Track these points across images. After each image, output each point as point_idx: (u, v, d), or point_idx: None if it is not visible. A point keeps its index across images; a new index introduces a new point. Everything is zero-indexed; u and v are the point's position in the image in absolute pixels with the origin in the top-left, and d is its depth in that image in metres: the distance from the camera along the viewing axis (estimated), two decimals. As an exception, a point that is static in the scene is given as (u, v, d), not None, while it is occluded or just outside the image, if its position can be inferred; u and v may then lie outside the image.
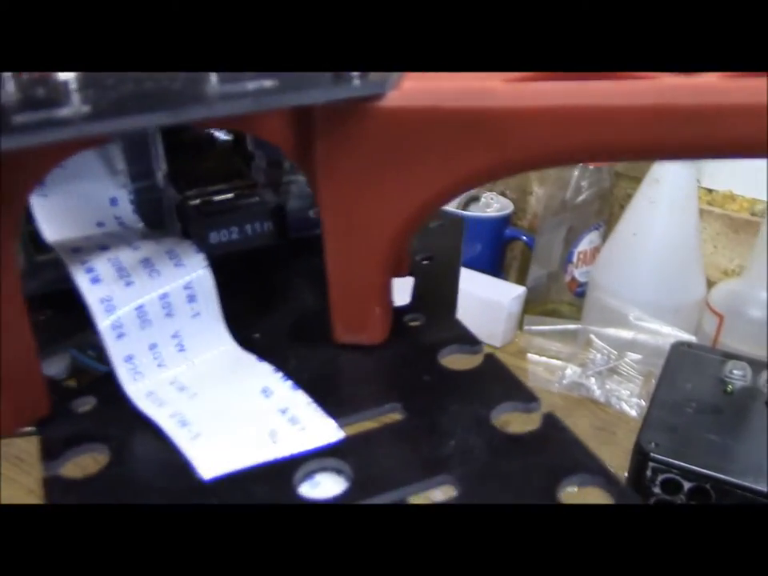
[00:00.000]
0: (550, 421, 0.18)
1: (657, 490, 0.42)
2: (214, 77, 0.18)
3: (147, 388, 0.19)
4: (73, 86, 0.17)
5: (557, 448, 0.17)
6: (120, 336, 0.18)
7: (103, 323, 0.18)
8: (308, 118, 0.18)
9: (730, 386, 0.50)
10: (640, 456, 0.42)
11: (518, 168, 0.18)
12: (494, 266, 0.81)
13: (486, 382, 0.19)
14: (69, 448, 0.18)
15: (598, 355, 0.68)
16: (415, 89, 0.17)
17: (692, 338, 0.66)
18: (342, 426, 0.18)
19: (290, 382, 0.19)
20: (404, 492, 0.17)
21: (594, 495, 0.16)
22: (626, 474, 0.46)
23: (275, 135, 0.18)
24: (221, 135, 0.26)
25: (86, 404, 0.19)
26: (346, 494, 0.16)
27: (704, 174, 0.74)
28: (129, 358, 0.19)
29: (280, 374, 0.19)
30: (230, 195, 0.23)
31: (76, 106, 0.16)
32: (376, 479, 0.17)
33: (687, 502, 0.40)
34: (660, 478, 0.42)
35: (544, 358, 0.70)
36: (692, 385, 0.51)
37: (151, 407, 0.18)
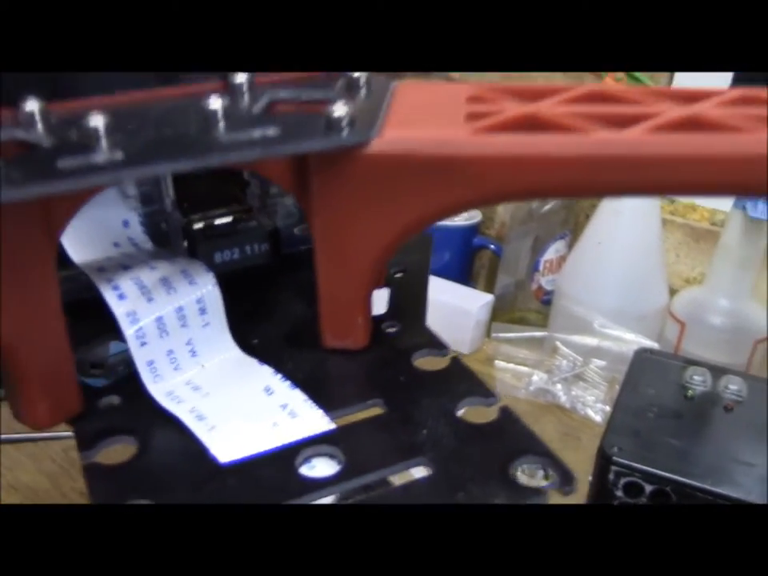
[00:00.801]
0: (506, 413, 0.23)
1: (619, 493, 0.45)
2: (221, 125, 0.22)
3: (166, 388, 0.23)
4: (101, 131, 0.21)
5: (510, 435, 0.22)
6: (143, 344, 0.22)
7: (128, 332, 0.22)
8: (305, 161, 0.22)
9: (690, 392, 0.53)
10: (603, 460, 0.45)
11: (480, 203, 0.23)
12: (463, 275, 0.85)
13: (453, 381, 0.23)
14: (101, 439, 0.22)
15: (564, 362, 0.73)
16: (395, 137, 0.22)
17: (655, 345, 0.71)
18: (333, 418, 0.22)
19: (288, 382, 0.23)
20: (386, 472, 0.21)
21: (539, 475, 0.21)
22: (590, 478, 0.50)
23: (277, 175, 0.22)
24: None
25: (111, 402, 0.23)
26: (338, 474, 0.21)
27: (666, 185, 0.80)
28: (150, 363, 0.23)
29: (279, 375, 0.23)
30: (229, 219, 0.28)
31: (108, 151, 0.19)
32: (363, 462, 0.21)
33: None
34: (622, 481, 0.45)
35: (511, 365, 0.74)
36: (654, 390, 0.54)
37: (171, 404, 0.22)
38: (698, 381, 0.53)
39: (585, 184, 0.21)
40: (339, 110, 0.21)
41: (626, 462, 0.43)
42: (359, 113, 0.22)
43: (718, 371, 0.55)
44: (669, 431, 0.48)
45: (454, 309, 0.73)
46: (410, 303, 0.27)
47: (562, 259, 0.83)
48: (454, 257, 0.85)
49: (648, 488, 0.42)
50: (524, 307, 0.84)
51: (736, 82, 0.77)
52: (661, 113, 0.22)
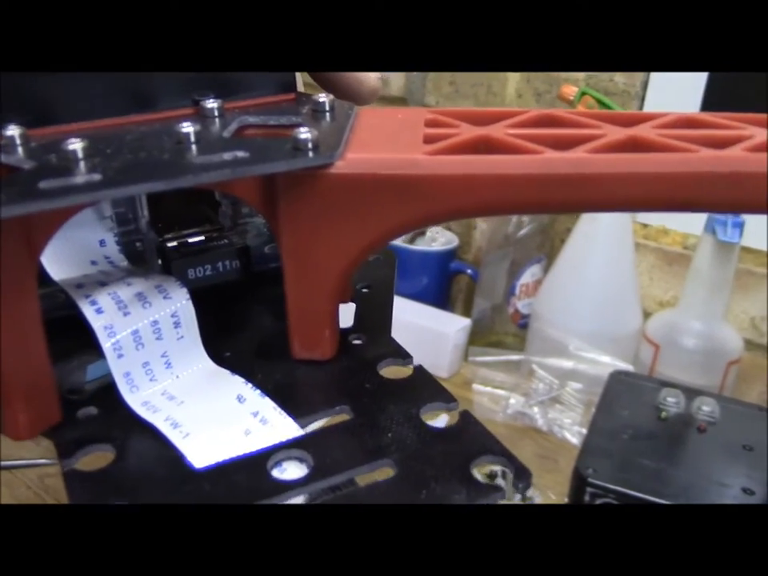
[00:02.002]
0: (466, 417, 0.25)
1: (594, 513, 0.48)
2: (194, 147, 0.24)
3: (142, 398, 0.24)
4: (79, 155, 0.22)
5: (470, 437, 0.24)
6: (120, 356, 0.24)
7: (106, 345, 0.24)
8: (273, 182, 0.24)
9: (664, 413, 0.55)
10: (578, 481, 0.47)
11: (438, 220, 0.25)
12: (441, 299, 0.88)
13: (416, 388, 0.25)
14: (80, 448, 0.23)
15: (541, 385, 0.75)
16: (357, 159, 0.24)
17: (630, 367, 0.73)
18: (302, 425, 0.24)
19: (258, 391, 0.25)
20: (353, 473, 0.23)
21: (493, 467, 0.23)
22: (566, 499, 0.53)
23: (247, 195, 0.25)
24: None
25: (88, 413, 0.25)
26: (308, 476, 0.22)
27: (639, 209, 0.83)
28: (127, 374, 0.25)
29: (250, 385, 0.25)
30: (201, 237, 0.30)
31: (87, 174, 0.21)
32: (330, 464, 0.22)
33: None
34: (597, 502, 0.48)
35: (489, 389, 0.76)
36: (628, 412, 0.56)
37: (147, 413, 0.24)
38: (672, 402, 0.55)
39: (533, 201, 0.24)
40: (305, 133, 0.24)
41: (601, 483, 0.45)
42: (323, 136, 0.24)
43: (691, 393, 0.57)
44: (643, 452, 0.49)
45: (431, 333, 0.75)
46: (375, 316, 0.29)
47: (537, 283, 0.85)
48: (431, 281, 0.88)
49: (623, 509, 0.45)
50: (501, 331, 0.86)
51: (710, 83, 0.81)
52: (603, 135, 0.25)
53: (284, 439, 0.23)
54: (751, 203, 0.23)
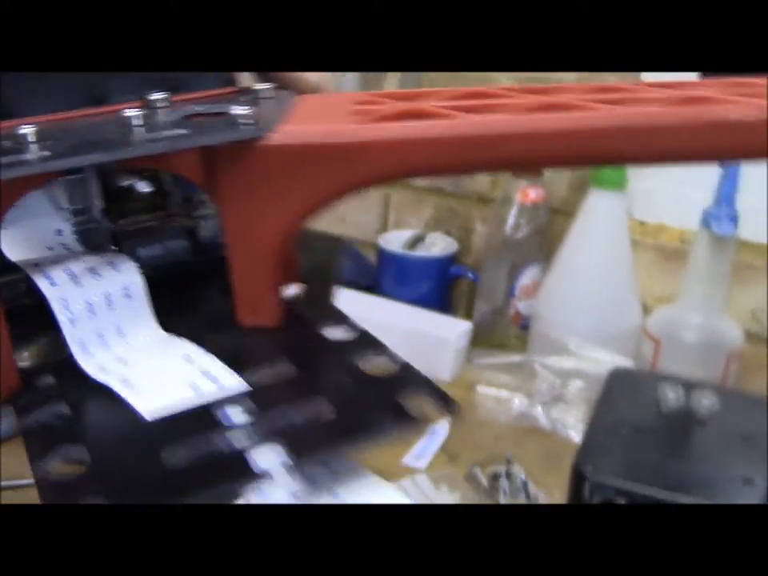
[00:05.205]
0: (405, 367, 0.27)
1: (593, 510, 0.49)
2: (139, 130, 0.27)
3: (97, 363, 0.27)
4: (30, 138, 0.25)
5: (400, 378, 0.26)
6: (74, 325, 0.27)
7: (61, 316, 0.27)
8: (213, 157, 0.27)
9: (664, 408, 0.56)
10: (578, 478, 0.48)
11: (366, 184, 0.28)
12: (442, 304, 0.89)
13: (358, 346, 0.28)
14: (38, 408, 0.25)
15: (544, 385, 0.76)
16: (291, 131, 0.27)
17: (630, 364, 0.74)
18: (247, 380, 0.26)
19: (204, 350, 0.27)
20: (292, 413, 0.25)
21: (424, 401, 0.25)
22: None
23: (189, 171, 0.27)
24: (142, 188, 0.35)
25: (47, 382, 0.27)
26: (252, 421, 0.25)
27: (636, 207, 0.83)
28: (81, 342, 0.27)
29: (197, 346, 0.27)
30: (153, 223, 0.33)
31: (37, 152, 0.24)
32: (274, 408, 0.25)
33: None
34: (596, 498, 0.49)
35: (492, 390, 0.77)
36: (629, 408, 0.56)
37: (101, 375, 0.26)
38: (672, 397, 0.56)
39: (452, 161, 0.26)
40: (240, 110, 0.27)
41: (600, 480, 0.45)
42: (261, 115, 0.27)
43: (690, 386, 0.58)
44: (643, 448, 0.49)
45: (433, 338, 0.76)
46: (319, 288, 0.32)
47: (537, 284, 0.86)
48: (431, 287, 0.89)
49: (623, 505, 0.44)
50: (503, 333, 0.87)
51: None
52: (522, 103, 0.27)
53: (230, 393, 0.26)
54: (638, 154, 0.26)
